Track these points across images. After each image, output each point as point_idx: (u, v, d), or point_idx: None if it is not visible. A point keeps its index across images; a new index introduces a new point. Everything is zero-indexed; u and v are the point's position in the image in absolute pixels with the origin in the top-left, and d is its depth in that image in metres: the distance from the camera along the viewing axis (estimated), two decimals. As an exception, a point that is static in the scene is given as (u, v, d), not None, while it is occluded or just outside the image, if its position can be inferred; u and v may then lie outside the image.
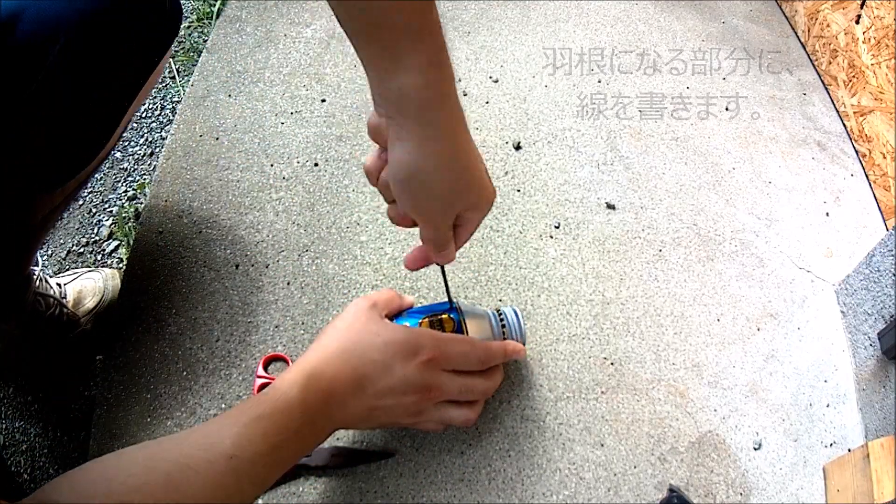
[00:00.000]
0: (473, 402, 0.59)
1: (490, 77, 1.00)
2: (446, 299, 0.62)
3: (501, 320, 0.63)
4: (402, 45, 0.41)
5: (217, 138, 0.89)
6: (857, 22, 0.98)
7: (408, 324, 0.60)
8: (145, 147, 1.08)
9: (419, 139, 0.44)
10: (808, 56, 1.12)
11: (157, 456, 0.43)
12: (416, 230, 0.52)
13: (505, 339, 0.62)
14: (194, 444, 0.44)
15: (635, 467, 0.65)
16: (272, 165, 0.86)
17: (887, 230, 0.87)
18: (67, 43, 0.54)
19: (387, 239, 0.80)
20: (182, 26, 0.93)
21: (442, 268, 0.58)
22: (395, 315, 0.61)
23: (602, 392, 0.69)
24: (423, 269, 0.57)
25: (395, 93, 0.43)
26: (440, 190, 0.47)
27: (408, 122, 0.44)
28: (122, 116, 0.65)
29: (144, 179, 1.03)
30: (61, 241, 0.97)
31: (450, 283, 0.61)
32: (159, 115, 1.12)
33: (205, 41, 1.08)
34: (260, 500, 0.60)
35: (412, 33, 0.41)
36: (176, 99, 1.13)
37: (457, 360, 0.56)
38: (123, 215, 0.98)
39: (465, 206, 0.50)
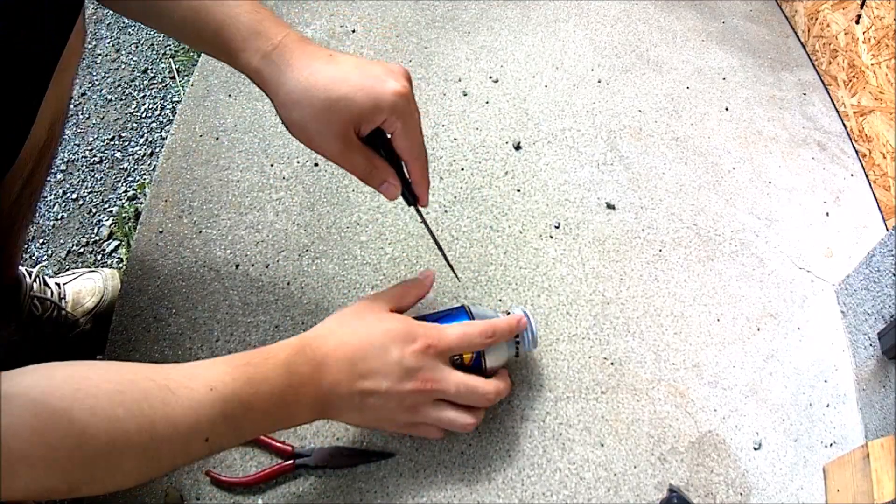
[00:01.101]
0: (475, 408, 0.59)
1: (490, 77, 1.00)
2: (452, 304, 0.62)
3: None
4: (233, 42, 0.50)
5: (217, 138, 0.89)
6: (857, 22, 0.98)
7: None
8: (145, 147, 1.08)
9: (274, 86, 0.50)
10: (808, 56, 1.12)
11: (139, 373, 0.43)
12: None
13: (517, 341, 0.63)
14: (179, 370, 0.45)
15: (635, 467, 0.65)
16: (272, 165, 0.86)
17: (887, 230, 0.87)
18: None
19: (387, 239, 0.79)
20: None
21: (420, 214, 0.61)
22: None
23: (602, 392, 0.69)
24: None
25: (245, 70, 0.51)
26: (309, 117, 0.50)
27: (263, 82, 0.51)
28: (42, 92, 0.55)
29: (144, 179, 1.03)
30: (61, 241, 0.97)
31: (450, 282, 0.61)
32: (159, 115, 1.12)
33: (205, 41, 1.08)
34: (260, 500, 0.60)
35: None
36: (176, 99, 1.13)
37: (457, 342, 0.57)
38: (123, 215, 0.98)
39: (351, 114, 0.51)
